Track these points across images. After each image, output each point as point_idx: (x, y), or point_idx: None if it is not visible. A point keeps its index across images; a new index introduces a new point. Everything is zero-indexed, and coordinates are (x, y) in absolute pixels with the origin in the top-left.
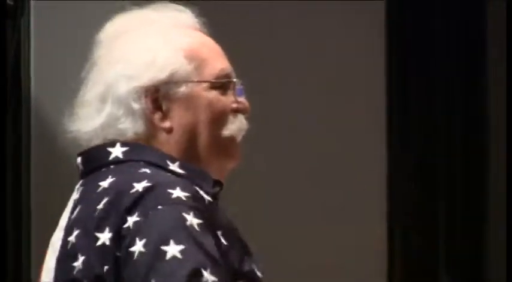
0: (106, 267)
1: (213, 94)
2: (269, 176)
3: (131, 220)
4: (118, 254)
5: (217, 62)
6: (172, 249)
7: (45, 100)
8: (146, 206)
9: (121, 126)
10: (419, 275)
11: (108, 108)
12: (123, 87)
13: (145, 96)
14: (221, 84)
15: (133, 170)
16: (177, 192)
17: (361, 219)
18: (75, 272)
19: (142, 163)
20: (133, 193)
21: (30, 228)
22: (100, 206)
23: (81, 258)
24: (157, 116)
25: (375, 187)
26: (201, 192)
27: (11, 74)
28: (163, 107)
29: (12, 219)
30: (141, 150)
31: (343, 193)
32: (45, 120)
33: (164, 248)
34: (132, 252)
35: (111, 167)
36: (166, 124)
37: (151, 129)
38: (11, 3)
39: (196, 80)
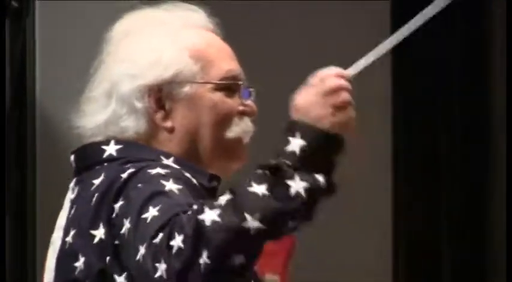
0: (108, 258)
1: (218, 96)
2: None
3: (117, 207)
4: (116, 242)
5: (225, 63)
6: (151, 213)
7: (50, 100)
8: (128, 188)
9: (123, 124)
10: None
11: (112, 106)
12: (127, 86)
13: (149, 95)
14: (227, 86)
15: (124, 166)
16: (157, 170)
17: (366, 223)
18: (76, 273)
19: (135, 160)
20: (118, 183)
21: (35, 228)
22: (92, 204)
23: (82, 259)
24: (159, 115)
25: (379, 189)
26: (194, 180)
27: (16, 74)
28: (166, 107)
29: (17, 218)
30: (135, 148)
31: (347, 195)
32: (50, 120)
33: (145, 215)
34: (123, 234)
35: (105, 164)
36: (168, 123)
37: (153, 128)
38: (16, 4)
39: (200, 80)
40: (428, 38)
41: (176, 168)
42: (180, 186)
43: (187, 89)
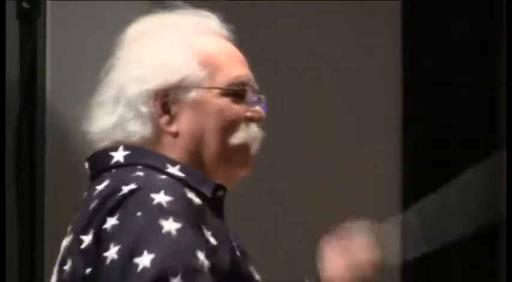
0: (89, 270)
1: (225, 101)
2: (277, 178)
3: (110, 222)
4: (103, 254)
5: (233, 69)
6: (145, 260)
7: (61, 101)
8: (126, 209)
9: (129, 128)
10: None
11: (119, 110)
12: (134, 90)
13: (155, 100)
14: (235, 92)
15: (128, 174)
16: (160, 197)
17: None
18: (64, 276)
19: (140, 166)
20: (118, 195)
21: (43, 231)
22: (89, 209)
23: (69, 262)
24: (164, 119)
25: (386, 190)
26: (190, 195)
27: (27, 75)
28: (172, 111)
29: (26, 221)
30: (142, 154)
31: (351, 196)
32: (61, 121)
33: (137, 259)
34: (106, 258)
35: (113, 171)
36: (173, 128)
37: (158, 132)
38: (26, 5)
39: (207, 86)
40: (438, 38)
41: (179, 187)
42: (179, 226)
43: (193, 94)
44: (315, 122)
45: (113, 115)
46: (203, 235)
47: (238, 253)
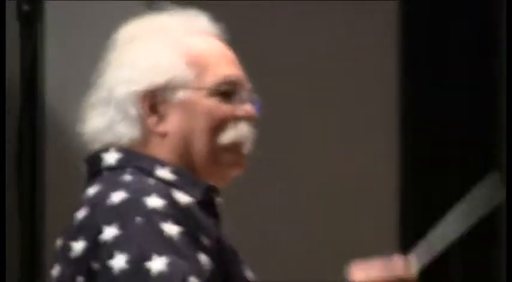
0: (80, 279)
1: (213, 101)
2: (275, 178)
3: (108, 231)
4: (95, 265)
5: (223, 68)
6: (156, 264)
7: (60, 104)
8: (123, 217)
9: (119, 130)
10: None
11: (109, 112)
12: (122, 91)
13: (143, 101)
14: (223, 91)
15: (116, 178)
16: (154, 201)
17: (371, 226)
18: (52, 280)
19: (130, 169)
20: (109, 203)
21: (44, 232)
22: (79, 216)
23: (57, 268)
24: (152, 120)
25: (384, 192)
26: (177, 197)
27: (27, 77)
28: (160, 112)
29: (27, 221)
30: (132, 157)
31: (351, 198)
32: (61, 123)
33: (148, 264)
34: (111, 267)
35: (104, 174)
36: (161, 128)
37: (147, 133)
38: (27, 7)
39: (195, 86)
40: (435, 37)
41: (166, 191)
42: (179, 229)
43: (181, 94)
44: (313, 122)
45: (104, 117)
46: (198, 239)
47: (229, 253)
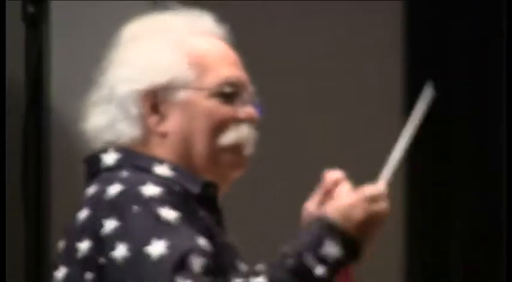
0: (90, 276)
1: (213, 102)
2: (278, 178)
3: (109, 225)
4: (101, 260)
5: (224, 69)
6: (156, 248)
7: (66, 104)
8: (121, 208)
9: (119, 128)
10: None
11: (111, 111)
12: (123, 90)
13: (144, 100)
14: (224, 93)
15: (113, 176)
16: (150, 189)
17: None
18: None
19: (128, 168)
20: (106, 198)
21: (50, 231)
22: (81, 217)
23: (62, 270)
24: (153, 119)
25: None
26: (173, 186)
27: (32, 79)
28: (161, 112)
29: (32, 221)
30: (131, 156)
31: None
32: (66, 126)
33: (148, 249)
34: (115, 258)
35: (103, 174)
36: (161, 128)
37: (148, 133)
38: (32, 9)
39: (196, 86)
40: (439, 37)
41: (166, 181)
42: (176, 214)
43: (181, 94)
44: (316, 122)
45: (105, 115)
46: (194, 223)
47: (226, 251)
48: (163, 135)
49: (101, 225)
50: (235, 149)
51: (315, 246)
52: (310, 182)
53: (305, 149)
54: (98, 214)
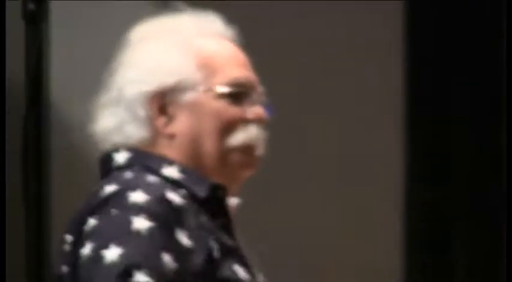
0: (65, 269)
1: (221, 103)
2: (281, 179)
3: (90, 222)
4: (79, 252)
5: (232, 70)
6: (111, 253)
7: (66, 103)
8: (104, 209)
9: (127, 130)
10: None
11: (119, 113)
12: (131, 92)
13: (152, 102)
14: (232, 93)
15: (119, 175)
16: (137, 196)
17: (375, 223)
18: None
19: (137, 168)
20: (100, 196)
21: (50, 229)
22: (77, 211)
23: (54, 261)
24: (161, 121)
25: (389, 190)
26: (171, 196)
27: (32, 78)
28: (169, 113)
29: (33, 220)
30: (141, 156)
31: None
32: (66, 125)
33: (103, 252)
34: (81, 255)
35: (114, 173)
36: (169, 130)
37: (156, 134)
38: (32, 7)
39: (204, 88)
40: (440, 37)
41: (160, 187)
42: (150, 225)
43: (189, 96)
44: (318, 122)
45: (113, 117)
46: (174, 237)
47: (232, 255)
48: (171, 137)
49: (85, 222)
50: (245, 149)
51: None
52: (310, 181)
53: (305, 149)
54: (87, 210)
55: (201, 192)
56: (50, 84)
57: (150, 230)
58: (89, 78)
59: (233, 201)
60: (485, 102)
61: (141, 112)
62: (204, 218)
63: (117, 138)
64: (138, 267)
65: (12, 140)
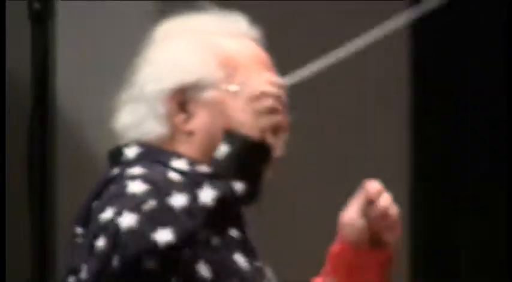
0: (81, 260)
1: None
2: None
3: (94, 205)
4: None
5: (253, 70)
6: (101, 242)
7: (72, 102)
8: (103, 196)
9: (146, 126)
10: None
11: (139, 109)
12: (152, 89)
13: (172, 99)
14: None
15: (128, 168)
16: (135, 186)
17: None
18: (62, 268)
19: (144, 162)
20: (101, 183)
21: (55, 229)
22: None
23: (64, 254)
24: (180, 118)
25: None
26: (172, 175)
27: (38, 77)
28: (188, 110)
29: (37, 220)
30: (151, 151)
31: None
32: (72, 124)
33: (95, 241)
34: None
35: (122, 167)
36: (188, 127)
37: (174, 131)
38: (38, 6)
39: (224, 86)
40: (446, 39)
41: (164, 170)
42: (145, 186)
43: (209, 94)
44: (323, 123)
45: (133, 113)
46: (170, 201)
47: (233, 245)
48: (190, 134)
49: (90, 209)
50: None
51: None
52: (315, 182)
53: (308, 150)
54: (91, 198)
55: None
56: (55, 82)
57: (146, 192)
58: (95, 77)
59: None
60: (494, 104)
61: (161, 109)
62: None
63: (135, 134)
64: (139, 253)
65: (18, 138)
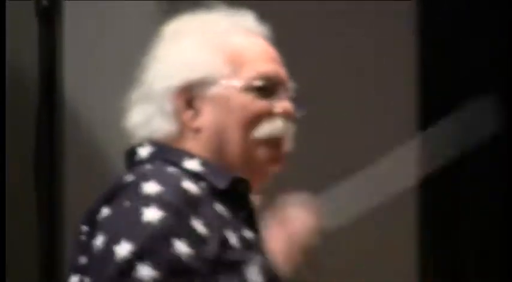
0: (84, 259)
1: (248, 97)
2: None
3: (103, 211)
4: (92, 242)
5: (260, 65)
6: (122, 249)
7: (79, 100)
8: (118, 199)
9: (154, 124)
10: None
11: (147, 107)
12: (159, 86)
13: (179, 96)
14: (260, 87)
15: (139, 168)
16: (150, 186)
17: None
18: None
19: (157, 161)
20: (115, 187)
21: (63, 230)
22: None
23: (70, 252)
24: (188, 115)
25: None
26: (187, 185)
27: (45, 75)
28: (195, 107)
29: (45, 219)
30: (164, 150)
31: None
32: (79, 121)
33: (114, 247)
34: (93, 246)
35: (137, 166)
36: (196, 123)
37: (182, 128)
38: (46, 3)
39: (230, 81)
40: (454, 37)
41: (176, 178)
42: (160, 214)
43: (216, 90)
44: (332, 121)
45: (143, 112)
46: (188, 224)
47: (248, 247)
48: (198, 131)
49: (99, 211)
50: (271, 143)
51: None
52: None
53: (315, 148)
54: (102, 200)
55: (221, 184)
56: (63, 79)
57: (161, 220)
58: (102, 74)
59: (255, 197)
60: (504, 102)
61: (169, 106)
62: (221, 209)
63: (144, 132)
64: (142, 259)
65: (26, 135)
